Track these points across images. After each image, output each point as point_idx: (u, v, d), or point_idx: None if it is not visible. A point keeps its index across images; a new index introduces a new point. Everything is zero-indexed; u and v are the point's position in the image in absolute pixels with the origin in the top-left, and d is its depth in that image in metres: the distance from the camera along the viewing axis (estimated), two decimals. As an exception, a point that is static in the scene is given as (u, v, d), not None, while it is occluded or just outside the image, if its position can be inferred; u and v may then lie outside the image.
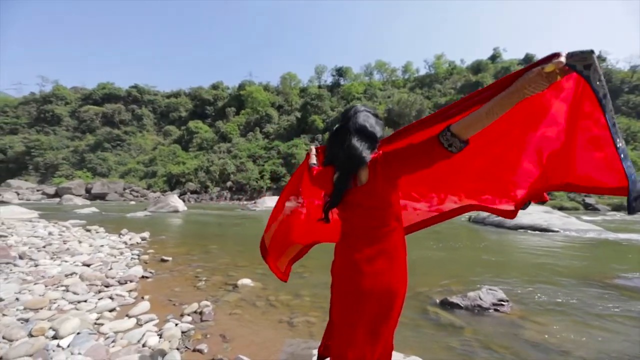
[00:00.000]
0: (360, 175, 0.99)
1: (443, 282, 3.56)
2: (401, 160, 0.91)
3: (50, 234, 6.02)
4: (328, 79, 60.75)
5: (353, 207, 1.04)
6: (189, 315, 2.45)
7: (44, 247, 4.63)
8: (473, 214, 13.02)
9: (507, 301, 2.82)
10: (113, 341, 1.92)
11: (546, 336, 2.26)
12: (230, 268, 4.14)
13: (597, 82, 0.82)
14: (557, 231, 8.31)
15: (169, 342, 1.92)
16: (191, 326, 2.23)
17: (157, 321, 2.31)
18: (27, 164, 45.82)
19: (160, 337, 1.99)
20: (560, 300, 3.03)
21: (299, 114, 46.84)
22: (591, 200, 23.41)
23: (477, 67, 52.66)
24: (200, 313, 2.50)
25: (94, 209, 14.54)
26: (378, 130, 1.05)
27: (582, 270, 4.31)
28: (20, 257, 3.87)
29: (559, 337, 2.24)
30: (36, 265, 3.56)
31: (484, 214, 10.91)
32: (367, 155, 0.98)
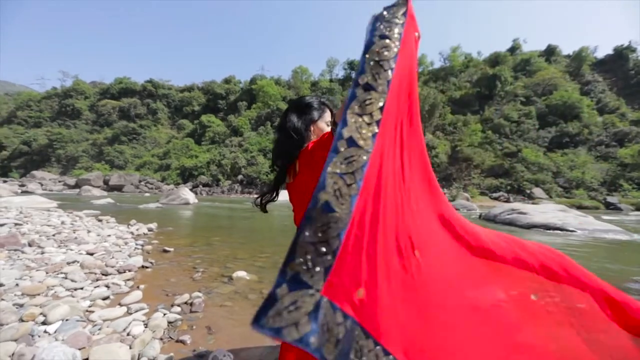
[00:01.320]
0: (296, 170, 0.97)
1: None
2: (320, 148, 0.85)
3: (62, 223, 6.24)
4: (340, 72, 60.21)
5: (295, 205, 1.01)
6: (178, 305, 2.46)
7: (53, 235, 4.80)
8: (484, 210, 12.65)
9: (508, 302, 2.69)
10: (99, 329, 1.94)
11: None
12: (229, 260, 4.16)
13: (383, 24, 0.52)
14: (573, 231, 7.93)
15: (153, 331, 1.93)
16: (179, 317, 2.23)
17: (146, 310, 2.33)
18: (50, 156, 48.08)
19: (145, 327, 2.01)
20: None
21: (309, 108, 46.72)
22: (613, 199, 22.33)
23: (494, 60, 50.73)
24: (191, 304, 2.51)
25: (109, 200, 15.04)
26: (303, 121, 1.01)
27: (596, 272, 4.06)
28: (29, 245, 4.02)
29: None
30: (42, 253, 3.68)
31: (496, 210, 10.57)
32: (291, 147, 0.96)
